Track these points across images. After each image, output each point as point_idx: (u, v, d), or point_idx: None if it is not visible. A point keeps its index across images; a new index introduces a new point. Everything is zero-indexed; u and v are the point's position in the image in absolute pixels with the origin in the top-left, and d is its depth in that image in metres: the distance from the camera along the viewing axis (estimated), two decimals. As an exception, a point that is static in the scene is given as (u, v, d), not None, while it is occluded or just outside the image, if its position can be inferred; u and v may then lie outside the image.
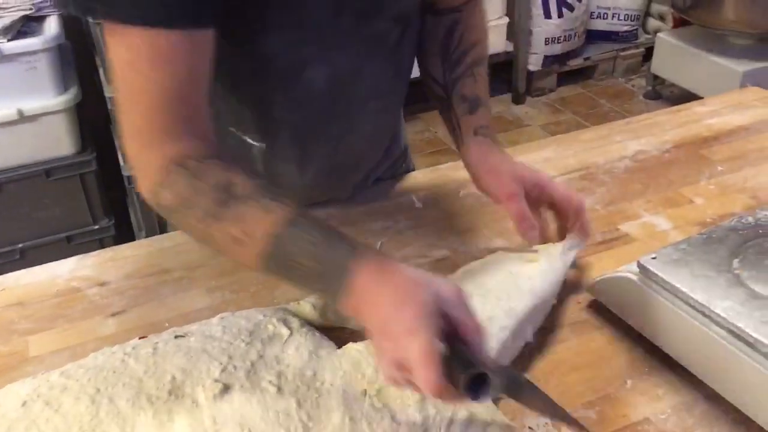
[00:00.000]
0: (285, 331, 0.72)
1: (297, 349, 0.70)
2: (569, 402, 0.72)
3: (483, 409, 0.65)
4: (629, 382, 0.74)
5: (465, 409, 0.64)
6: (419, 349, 0.54)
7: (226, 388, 0.65)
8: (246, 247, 0.65)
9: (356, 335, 0.80)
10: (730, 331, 0.67)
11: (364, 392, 0.65)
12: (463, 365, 0.54)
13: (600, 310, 0.83)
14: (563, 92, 3.46)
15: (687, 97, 2.71)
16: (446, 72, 0.93)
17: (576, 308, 0.84)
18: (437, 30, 0.94)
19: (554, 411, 0.63)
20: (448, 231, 0.98)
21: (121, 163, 2.01)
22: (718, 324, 0.68)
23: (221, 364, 0.67)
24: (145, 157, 0.70)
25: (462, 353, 0.56)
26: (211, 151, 0.70)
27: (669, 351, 0.74)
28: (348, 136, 0.94)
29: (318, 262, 0.63)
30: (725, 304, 0.68)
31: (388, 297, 0.58)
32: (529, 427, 0.69)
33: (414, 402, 0.64)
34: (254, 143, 0.91)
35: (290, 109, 0.87)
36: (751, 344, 0.65)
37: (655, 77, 3.30)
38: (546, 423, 0.69)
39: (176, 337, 0.72)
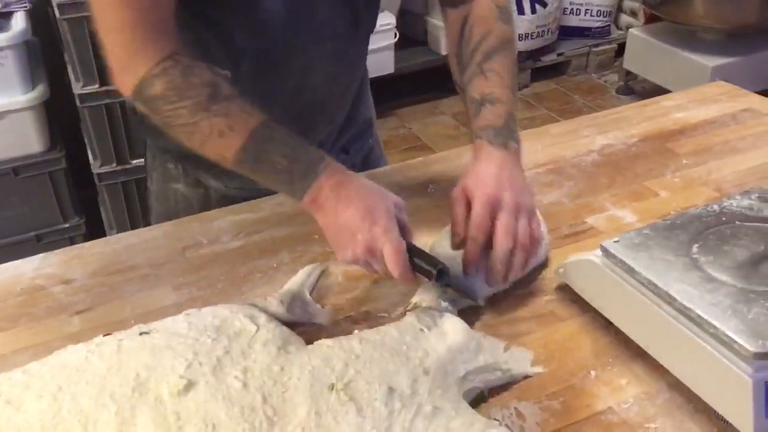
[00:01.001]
0: (252, 327, 0.72)
1: (264, 344, 0.70)
2: (534, 393, 0.73)
3: (448, 402, 0.65)
4: (593, 372, 0.75)
5: (430, 403, 0.64)
6: (392, 244, 0.72)
7: (190, 384, 0.64)
8: (228, 139, 0.75)
9: (324, 330, 0.81)
10: (682, 312, 0.68)
11: (332, 386, 0.65)
12: (424, 260, 0.76)
13: (564, 302, 0.84)
14: (537, 88, 3.48)
15: (658, 92, 2.73)
16: (461, 76, 0.93)
17: (541, 301, 0.85)
18: (452, 28, 0.95)
19: None
20: (416, 225, 0.98)
21: (91, 160, 1.99)
22: (671, 305, 0.69)
23: (186, 360, 0.67)
24: (135, 52, 0.77)
25: (412, 248, 0.76)
26: (192, 53, 0.79)
27: (629, 333, 0.76)
28: (309, 76, 0.96)
29: (290, 161, 0.75)
30: (679, 287, 0.70)
31: (356, 200, 0.74)
32: (495, 419, 0.69)
33: (380, 396, 0.64)
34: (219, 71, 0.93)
35: (251, 34, 0.89)
36: (700, 325, 0.67)
37: (627, 73, 3.33)
38: (511, 414, 0.70)
39: (141, 333, 0.72)
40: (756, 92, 1.28)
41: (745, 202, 0.83)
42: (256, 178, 0.80)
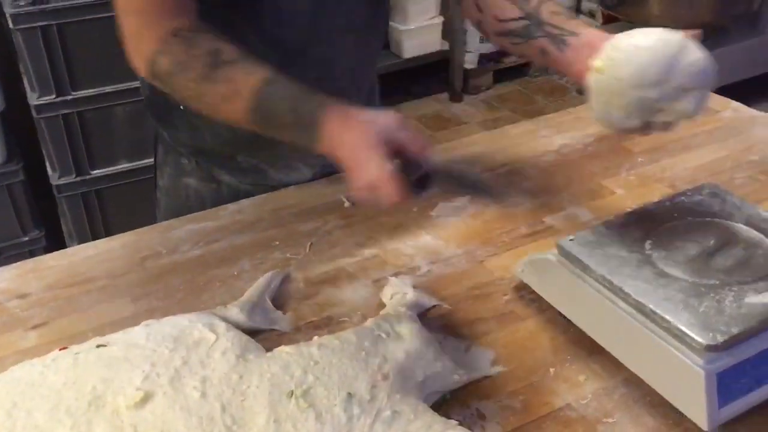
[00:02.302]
0: (211, 336, 0.72)
1: (223, 353, 0.69)
2: (494, 393, 0.73)
3: (407, 406, 0.65)
4: (552, 370, 0.76)
5: (389, 407, 0.65)
6: (376, 171, 0.71)
7: (148, 396, 0.64)
8: (234, 103, 0.79)
9: (285, 337, 0.81)
10: (636, 308, 0.70)
11: (291, 393, 0.65)
12: (412, 171, 0.73)
13: (524, 301, 0.85)
14: (500, 90, 3.51)
15: (617, 91, 2.78)
16: (522, 4, 0.94)
17: (501, 301, 0.85)
18: None
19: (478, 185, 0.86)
20: (377, 229, 0.99)
21: (50, 172, 1.95)
22: (625, 301, 0.71)
23: (143, 371, 0.66)
24: (143, 33, 0.82)
25: (410, 163, 0.73)
26: (201, 27, 0.83)
27: (586, 330, 0.77)
28: (331, 68, 0.99)
29: (294, 115, 0.78)
30: (633, 283, 0.71)
31: (349, 138, 0.75)
32: (456, 419, 0.70)
33: (339, 402, 0.64)
34: None
35: (279, 24, 0.93)
36: (653, 319, 0.68)
37: (588, 73, 3.37)
38: (472, 414, 0.71)
39: (98, 346, 0.71)
40: (713, 90, 1.30)
41: (696, 198, 0.85)
42: (271, 135, 0.83)
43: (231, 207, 1.05)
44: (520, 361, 0.77)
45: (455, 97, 3.37)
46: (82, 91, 1.76)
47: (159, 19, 0.82)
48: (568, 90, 3.53)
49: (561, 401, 0.72)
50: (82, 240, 1.95)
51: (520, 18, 0.95)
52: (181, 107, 1.01)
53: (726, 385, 0.66)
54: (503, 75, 3.54)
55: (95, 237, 1.87)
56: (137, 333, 0.73)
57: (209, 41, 0.82)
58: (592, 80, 0.82)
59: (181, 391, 0.64)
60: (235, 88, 0.79)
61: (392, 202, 0.73)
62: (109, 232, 1.12)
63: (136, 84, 1.79)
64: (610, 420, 0.70)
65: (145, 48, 0.82)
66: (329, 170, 1.07)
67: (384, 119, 0.75)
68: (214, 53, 0.80)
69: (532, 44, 0.94)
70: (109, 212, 1.88)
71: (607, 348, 0.75)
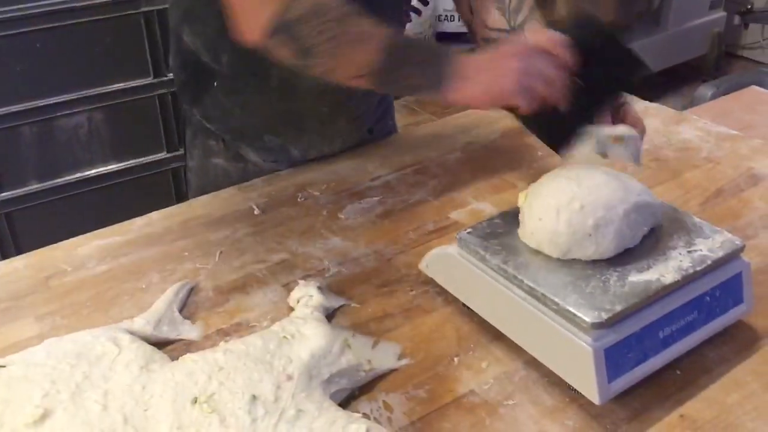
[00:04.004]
0: (114, 349, 0.72)
1: (126, 365, 0.69)
2: (401, 384, 0.75)
3: (312, 404, 0.67)
4: (456, 359, 0.78)
5: (293, 407, 0.66)
6: (548, 62, 0.83)
7: (47, 413, 0.63)
8: (369, 43, 0.85)
9: (194, 346, 0.81)
10: (529, 293, 0.73)
11: (195, 400, 0.65)
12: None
13: (429, 295, 0.87)
14: (420, 93, 3.56)
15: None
16: (511, 16, 1.02)
17: (408, 296, 0.88)
18: None
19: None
20: (286, 235, 1.00)
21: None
22: (519, 287, 0.74)
23: (43, 389, 0.66)
24: None
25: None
26: None
27: (487, 318, 0.80)
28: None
29: (426, 53, 0.86)
30: (526, 270, 0.75)
31: (492, 60, 0.85)
32: (363, 413, 0.72)
33: (243, 404, 0.65)
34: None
35: None
36: (544, 303, 0.72)
37: (503, 74, 3.47)
38: (379, 407, 0.73)
39: (-4, 368, 0.70)
40: None
41: (586, 187, 0.89)
42: (392, 78, 0.87)
43: (138, 221, 1.04)
44: (426, 352, 0.80)
45: (376, 103, 3.40)
46: (-14, 112, 1.71)
47: None
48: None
49: (464, 388, 0.75)
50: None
51: (506, 30, 1.01)
52: (215, 84, 1.08)
53: (614, 360, 0.70)
54: (423, 79, 3.60)
55: (5, 256, 1.82)
56: (37, 352, 0.72)
57: None
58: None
59: (82, 405, 0.64)
60: (369, 31, 0.85)
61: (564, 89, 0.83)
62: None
63: (42, 103, 1.76)
64: (511, 402, 0.73)
65: (266, 7, 0.84)
66: (349, 145, 1.18)
67: (536, 36, 0.85)
68: (344, 4, 0.84)
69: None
70: (21, 234, 1.83)
71: (507, 334, 0.78)
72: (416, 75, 0.86)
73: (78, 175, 1.87)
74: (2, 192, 1.79)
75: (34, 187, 1.82)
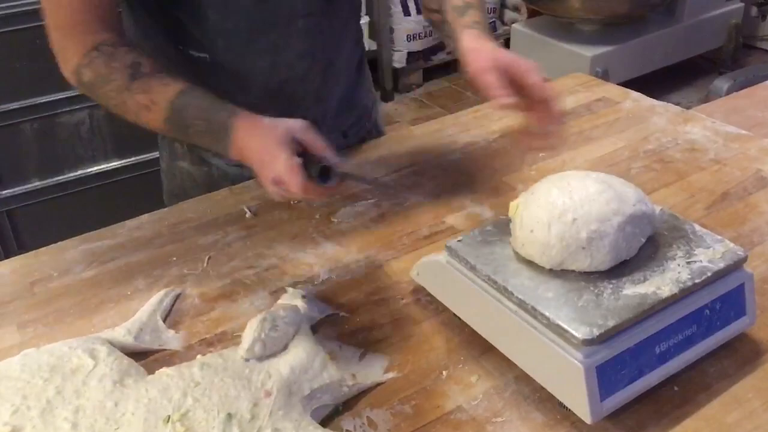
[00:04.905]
0: (90, 363, 0.70)
1: (100, 380, 0.67)
2: (387, 399, 0.73)
3: (289, 422, 0.64)
4: (444, 373, 0.76)
5: (270, 425, 0.63)
6: (283, 165, 0.76)
7: (16, 431, 0.61)
8: (153, 112, 0.85)
9: (176, 356, 0.79)
10: (520, 305, 0.70)
11: (168, 418, 0.63)
12: (314, 166, 0.77)
13: (420, 304, 0.85)
14: (430, 87, 3.53)
15: (541, 84, 2.82)
16: None
17: (398, 305, 0.85)
18: None
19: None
20: (277, 239, 0.97)
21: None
22: (510, 299, 0.71)
23: (13, 405, 0.64)
24: (67, 46, 0.88)
25: (313, 160, 0.78)
26: (122, 42, 0.89)
27: (478, 329, 0.77)
28: (281, 53, 1.02)
29: (207, 123, 0.83)
30: (516, 281, 0.72)
31: (258, 140, 0.80)
32: (347, 430, 0.69)
33: (218, 423, 0.63)
34: (199, 54, 1.00)
35: (222, 13, 0.96)
36: (535, 316, 0.69)
37: (515, 67, 3.41)
38: (363, 423, 0.70)
39: (-30, 381, 0.68)
40: (634, 77, 1.31)
41: (583, 192, 0.86)
42: (189, 141, 0.91)
43: (129, 224, 1.02)
44: (414, 365, 0.77)
45: (385, 97, 3.38)
46: (-14, 109, 1.70)
47: (81, 35, 0.87)
48: (497, 84, 3.57)
49: (452, 404, 0.72)
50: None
51: (435, 11, 1.00)
52: None
53: (607, 377, 0.67)
54: (433, 72, 3.56)
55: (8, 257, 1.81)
56: (12, 364, 0.70)
57: (129, 55, 0.87)
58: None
59: (52, 423, 0.62)
60: (152, 99, 0.84)
61: (299, 192, 0.77)
62: (23, 252, 1.09)
63: (43, 100, 1.75)
64: (500, 419, 0.70)
65: (70, 61, 0.88)
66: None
67: (288, 123, 0.80)
68: (133, 66, 0.86)
69: (445, 38, 0.99)
70: (23, 231, 1.82)
71: (497, 346, 0.75)
72: (203, 139, 0.86)
73: (80, 172, 1.86)
74: (4, 189, 1.78)
75: (36, 184, 1.81)
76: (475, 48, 0.89)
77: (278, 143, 0.78)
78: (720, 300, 0.73)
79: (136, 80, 0.85)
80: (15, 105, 1.72)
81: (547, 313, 0.68)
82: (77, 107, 1.79)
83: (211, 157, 1.12)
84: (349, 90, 1.16)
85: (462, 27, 0.93)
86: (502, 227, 0.80)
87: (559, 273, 0.73)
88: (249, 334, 0.73)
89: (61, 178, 1.83)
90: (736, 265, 0.74)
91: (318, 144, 0.79)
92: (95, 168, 1.87)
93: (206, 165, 1.13)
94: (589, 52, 2.99)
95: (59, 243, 0.99)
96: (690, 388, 0.72)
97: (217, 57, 0.99)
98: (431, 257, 0.82)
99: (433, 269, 0.82)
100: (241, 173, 1.10)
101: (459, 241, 0.79)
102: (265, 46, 1.00)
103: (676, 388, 0.72)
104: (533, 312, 0.69)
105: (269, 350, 0.72)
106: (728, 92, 3.11)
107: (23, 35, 1.62)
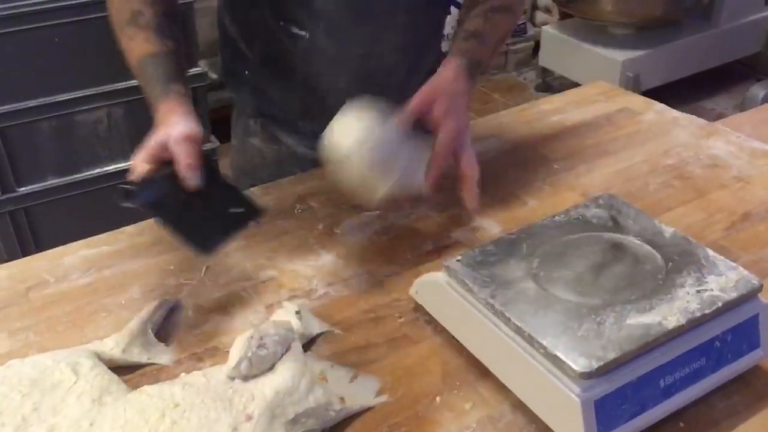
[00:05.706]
0: (71, 378, 0.68)
1: (78, 397, 0.65)
2: (376, 426, 0.70)
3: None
4: (438, 398, 0.72)
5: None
6: (133, 161, 0.83)
7: (-13, 449, 0.60)
8: (128, 60, 0.92)
9: (164, 371, 0.77)
10: (517, 332, 0.67)
11: (144, 439, 0.61)
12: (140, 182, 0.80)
13: (418, 323, 0.82)
14: (457, 88, 3.48)
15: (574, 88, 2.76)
16: (461, 14, 1.02)
17: (395, 323, 0.82)
18: None
19: None
20: (277, 250, 0.95)
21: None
22: (507, 325, 0.68)
23: (-12, 421, 0.62)
24: None
25: (158, 174, 0.81)
26: None
27: (475, 353, 0.74)
28: (377, 44, 1.06)
29: (147, 92, 0.88)
30: (515, 306, 0.69)
31: (152, 131, 0.83)
32: (332, 456, 0.67)
33: (195, 445, 0.61)
34: (299, 32, 1.04)
35: (328, 1, 1.01)
36: (532, 344, 0.65)
37: (544, 70, 3.37)
38: (348, 450, 0.67)
39: (-51, 393, 0.67)
40: (665, 83, 1.25)
41: (592, 210, 0.82)
42: None
43: (130, 229, 1.01)
44: (407, 388, 0.74)
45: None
46: (4, 106, 1.70)
47: None
48: (525, 87, 3.52)
49: (444, 432, 0.69)
50: (13, 258, 1.90)
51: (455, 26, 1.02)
52: (246, 72, 1.14)
53: (606, 412, 0.63)
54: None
55: (26, 255, 1.82)
56: (-5, 376, 0.69)
57: (139, 3, 0.91)
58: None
59: (24, 441, 0.60)
60: (131, 47, 0.91)
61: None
62: (41, 250, 1.09)
63: (61, 98, 1.75)
64: (493, 451, 0.67)
65: None
66: None
67: (176, 129, 0.81)
68: (136, 13, 0.91)
69: None
70: (40, 229, 1.83)
71: (494, 372, 0.72)
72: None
73: (97, 170, 1.86)
74: (21, 187, 1.79)
75: (53, 182, 1.82)
76: (438, 73, 0.92)
77: (151, 139, 0.83)
78: (731, 331, 0.69)
79: (130, 25, 0.91)
80: (33, 103, 1.72)
81: (544, 342, 0.64)
82: (95, 105, 1.79)
83: (283, 136, 1.18)
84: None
85: (454, 50, 0.95)
86: (503, 247, 0.77)
87: (561, 300, 0.69)
88: (236, 351, 0.71)
89: (78, 176, 1.83)
90: (750, 295, 0.70)
91: (182, 160, 0.80)
92: (113, 166, 1.87)
93: (276, 143, 1.19)
94: (620, 56, 2.93)
95: (58, 248, 0.98)
96: (696, 425, 0.68)
97: (315, 38, 1.04)
98: (431, 276, 0.79)
99: (432, 288, 0.79)
100: (311, 154, 1.10)
101: (458, 260, 0.76)
102: (364, 35, 1.04)
103: (681, 425, 0.68)
104: (530, 340, 0.66)
105: (256, 369, 0.69)
106: (764, 100, 3.01)
107: (41, 33, 1.62)
